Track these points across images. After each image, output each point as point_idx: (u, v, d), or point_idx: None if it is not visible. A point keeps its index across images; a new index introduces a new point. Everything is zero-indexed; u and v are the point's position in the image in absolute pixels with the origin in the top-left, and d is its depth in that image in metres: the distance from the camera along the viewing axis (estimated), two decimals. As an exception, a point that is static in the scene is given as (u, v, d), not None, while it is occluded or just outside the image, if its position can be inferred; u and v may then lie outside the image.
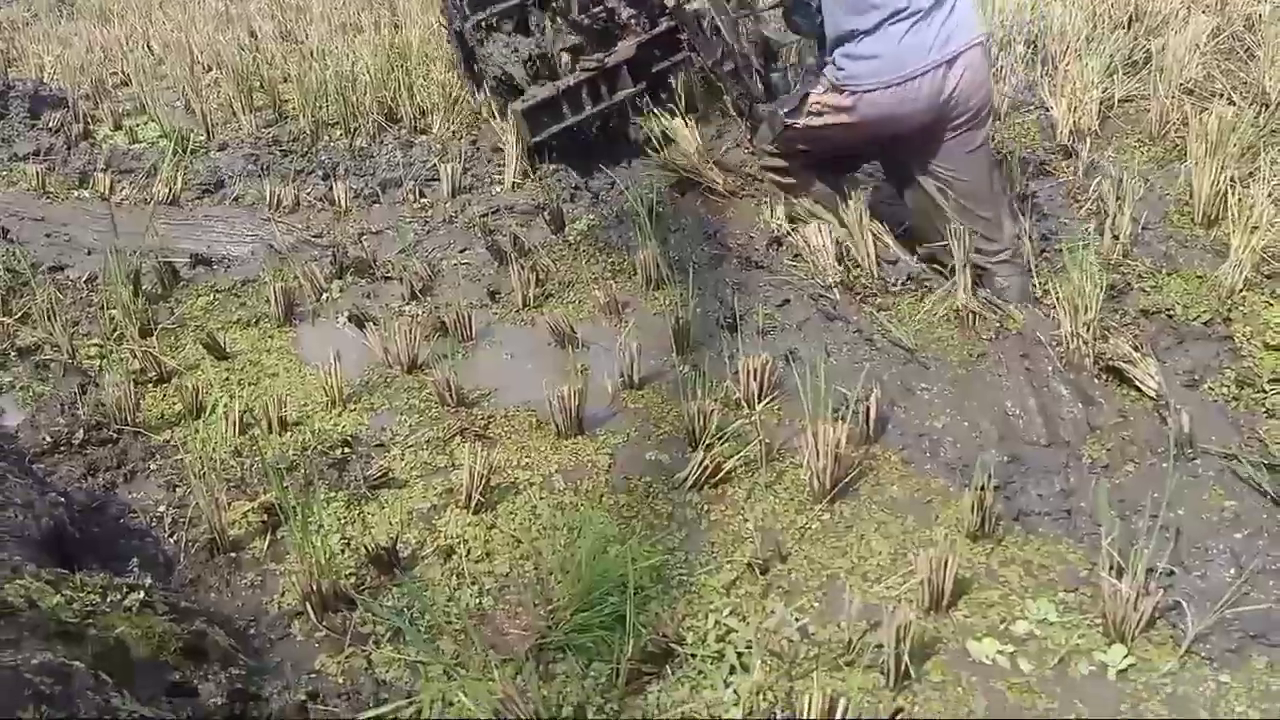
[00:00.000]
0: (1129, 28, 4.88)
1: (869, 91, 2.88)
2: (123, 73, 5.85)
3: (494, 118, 4.44)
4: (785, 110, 3.17)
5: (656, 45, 3.98)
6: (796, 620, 2.00)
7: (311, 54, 5.29)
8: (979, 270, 2.97)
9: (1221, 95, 4.06)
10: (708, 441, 2.45)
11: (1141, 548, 1.95)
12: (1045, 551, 2.15)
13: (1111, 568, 1.98)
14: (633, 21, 3.96)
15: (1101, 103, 4.09)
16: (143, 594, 1.80)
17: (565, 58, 3.91)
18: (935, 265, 3.10)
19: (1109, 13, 5.02)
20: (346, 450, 2.59)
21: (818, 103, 3.04)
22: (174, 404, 2.83)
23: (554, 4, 3.96)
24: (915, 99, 2.83)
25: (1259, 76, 4.07)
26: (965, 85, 2.82)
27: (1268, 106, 3.85)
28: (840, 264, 3.21)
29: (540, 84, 3.90)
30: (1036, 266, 3.09)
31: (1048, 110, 4.16)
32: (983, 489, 2.16)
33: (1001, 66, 4.61)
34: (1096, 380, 2.63)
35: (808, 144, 3.22)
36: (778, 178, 3.46)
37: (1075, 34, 4.70)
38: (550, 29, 3.94)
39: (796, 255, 3.30)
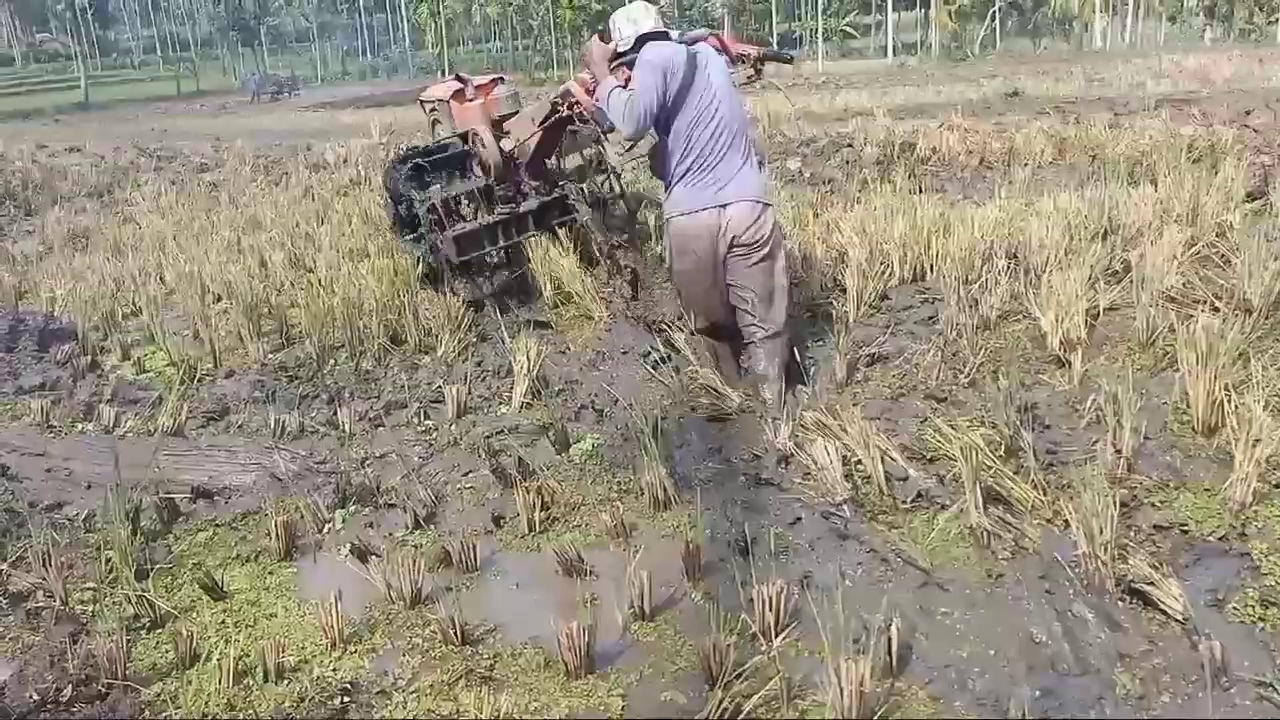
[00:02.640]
0: (1105, 239, 5.10)
1: (679, 217, 4.00)
2: (134, 304, 6.02)
3: (502, 339, 4.61)
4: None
5: (554, 206, 5.31)
6: None
7: (320, 281, 5.46)
8: (748, 344, 4.10)
9: (1204, 302, 4.18)
10: (726, 680, 2.35)
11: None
12: (1091, 798, 2.02)
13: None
14: (533, 190, 5.35)
15: (1088, 312, 4.20)
16: None
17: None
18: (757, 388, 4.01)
19: (1084, 225, 5.26)
20: (346, 699, 2.47)
21: (672, 241, 4.10)
22: (167, 652, 2.72)
23: (478, 191, 5.23)
24: (703, 225, 3.94)
25: (1238, 284, 4.20)
26: (734, 223, 3.92)
27: (1250, 313, 3.95)
28: (848, 481, 3.20)
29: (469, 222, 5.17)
30: (1045, 480, 3.08)
31: (1035, 319, 4.27)
32: (1018, 729, 2.06)
33: (985, 279, 4.77)
34: (1120, 603, 2.56)
35: (689, 288, 4.15)
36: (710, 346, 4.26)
37: (1054, 246, 4.91)
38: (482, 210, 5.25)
39: (806, 474, 3.29)
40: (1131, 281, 4.42)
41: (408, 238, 5.63)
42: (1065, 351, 3.96)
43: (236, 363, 4.98)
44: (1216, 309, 4.06)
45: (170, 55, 68.96)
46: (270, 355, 5.02)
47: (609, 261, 5.10)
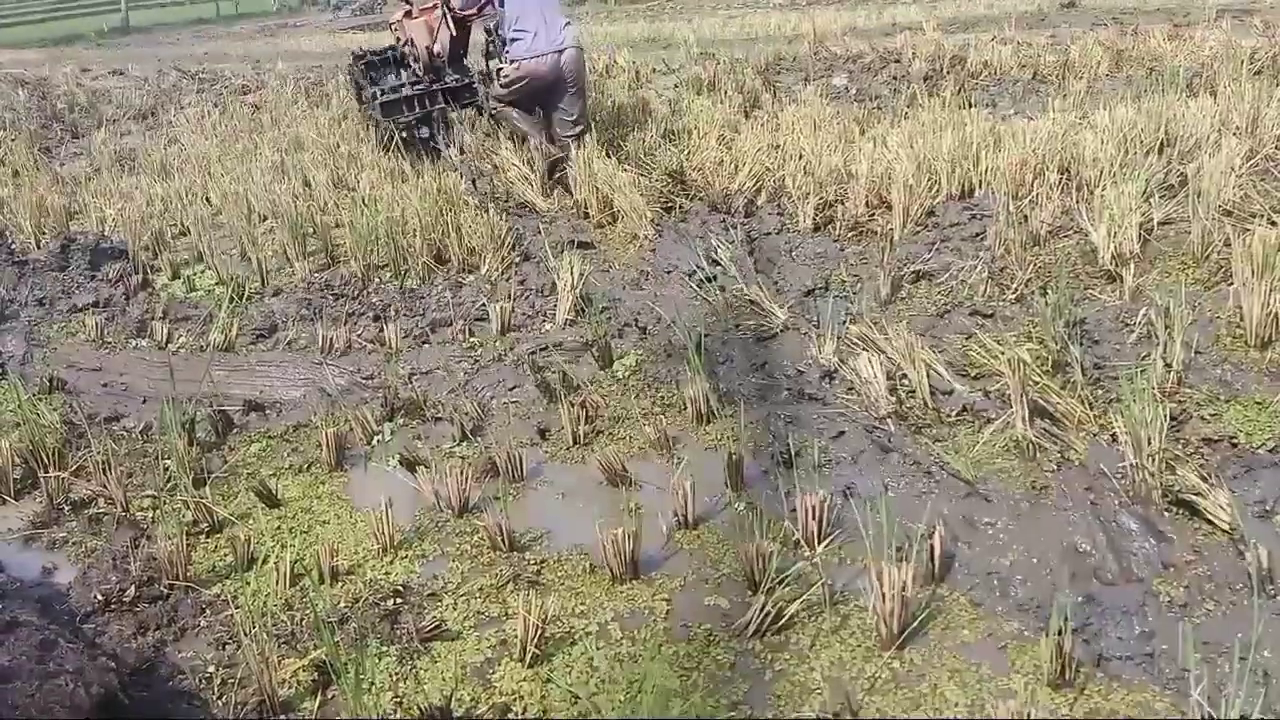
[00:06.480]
0: (1161, 153, 4.94)
1: (524, 61, 5.79)
2: (181, 224, 6.08)
3: (546, 258, 4.60)
4: (498, 84, 6.13)
5: (464, 89, 6.72)
6: (872, 781, 1.90)
7: (363, 201, 5.47)
8: (553, 140, 6.13)
9: (1262, 216, 4.06)
10: (768, 585, 2.39)
11: (1232, 695, 1.85)
12: (1131, 700, 2.04)
13: (1202, 719, 1.87)
14: (455, 80, 6.69)
15: (1141, 226, 4.10)
16: (196, 765, 1.74)
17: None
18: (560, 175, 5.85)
19: (1139, 139, 5.09)
20: (398, 600, 2.55)
21: (507, 75, 5.95)
22: (225, 556, 2.82)
23: (412, 67, 6.79)
24: (545, 66, 5.77)
25: (1299, 197, 4.07)
26: (567, 65, 5.79)
27: (1311, 227, 3.83)
28: (893, 395, 3.19)
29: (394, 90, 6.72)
30: (1092, 394, 3.04)
31: (1086, 234, 4.17)
32: (1060, 633, 2.07)
33: (1036, 194, 4.66)
34: (1166, 514, 2.55)
35: (513, 98, 6.09)
36: (502, 115, 6.26)
37: (1108, 160, 4.77)
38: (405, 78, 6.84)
39: (850, 388, 3.28)
40: (1187, 195, 4.29)
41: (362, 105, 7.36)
42: (1117, 266, 3.88)
43: (283, 281, 5.03)
44: (1275, 223, 3.93)
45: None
46: (316, 274, 5.06)
47: (492, 120, 6.62)
